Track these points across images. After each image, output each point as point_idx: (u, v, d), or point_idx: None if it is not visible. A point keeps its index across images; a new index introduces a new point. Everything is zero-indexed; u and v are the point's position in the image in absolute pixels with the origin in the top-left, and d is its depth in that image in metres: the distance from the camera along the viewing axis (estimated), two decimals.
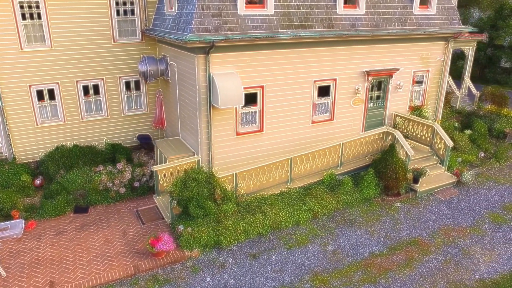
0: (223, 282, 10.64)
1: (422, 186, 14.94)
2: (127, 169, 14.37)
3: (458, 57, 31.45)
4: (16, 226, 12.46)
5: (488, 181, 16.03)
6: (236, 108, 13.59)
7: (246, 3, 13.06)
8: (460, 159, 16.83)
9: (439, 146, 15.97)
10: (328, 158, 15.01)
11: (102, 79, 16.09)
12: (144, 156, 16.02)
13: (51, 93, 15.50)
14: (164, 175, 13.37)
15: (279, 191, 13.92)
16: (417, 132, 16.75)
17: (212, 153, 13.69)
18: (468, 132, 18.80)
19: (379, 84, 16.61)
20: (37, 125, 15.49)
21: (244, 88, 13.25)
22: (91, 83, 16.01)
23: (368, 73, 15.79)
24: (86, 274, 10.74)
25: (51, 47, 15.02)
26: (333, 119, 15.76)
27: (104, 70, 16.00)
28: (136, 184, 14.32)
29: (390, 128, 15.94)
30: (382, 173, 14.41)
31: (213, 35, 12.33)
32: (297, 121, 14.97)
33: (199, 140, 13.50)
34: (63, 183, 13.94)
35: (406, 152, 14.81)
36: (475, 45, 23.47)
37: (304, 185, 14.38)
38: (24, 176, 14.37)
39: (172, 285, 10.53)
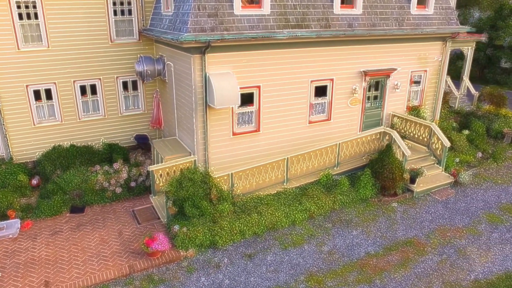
0: (218, 282, 10.63)
1: (419, 187, 14.92)
2: (123, 169, 14.38)
3: (457, 58, 31.41)
4: (12, 226, 12.49)
5: (485, 181, 16.00)
6: (232, 108, 13.59)
7: (242, 3, 13.06)
8: (457, 160, 16.79)
9: (437, 146, 15.95)
10: (325, 158, 15.00)
11: (100, 79, 16.11)
12: (141, 156, 16.03)
13: (48, 93, 15.51)
14: (161, 175, 13.37)
15: (275, 191, 13.92)
16: (414, 132, 16.72)
17: (208, 153, 13.68)
18: (466, 132, 18.77)
19: (377, 84, 16.59)
20: (34, 125, 15.51)
21: (241, 88, 13.25)
22: (88, 83, 16.03)
23: (365, 73, 15.77)
24: (81, 274, 10.74)
25: (48, 47, 15.03)
26: (330, 119, 15.75)
27: (101, 70, 16.01)
28: (133, 184, 14.32)
29: (387, 128, 15.92)
30: (379, 173, 14.40)
31: (209, 35, 12.32)
32: (294, 121, 14.95)
33: (195, 140, 13.50)
34: (60, 183, 13.95)
35: (403, 152, 14.79)
36: (474, 45, 23.44)
37: (301, 185, 14.37)
38: (21, 176, 14.38)
39: (167, 285, 10.52)
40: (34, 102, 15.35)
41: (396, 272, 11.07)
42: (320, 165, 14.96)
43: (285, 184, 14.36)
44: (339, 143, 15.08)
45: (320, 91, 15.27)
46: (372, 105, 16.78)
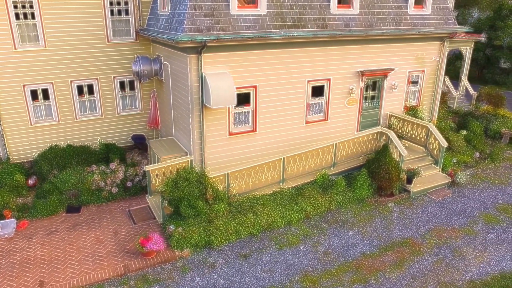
0: (213, 282, 10.62)
1: (415, 187, 14.90)
2: (120, 169, 14.38)
3: (456, 58, 31.37)
4: (8, 226, 12.49)
5: (482, 181, 15.98)
6: (228, 108, 13.58)
7: (239, 3, 13.05)
8: (455, 160, 16.77)
9: (434, 146, 15.92)
10: (321, 158, 14.98)
11: (97, 79, 16.11)
12: (137, 156, 16.03)
13: (45, 93, 15.51)
14: (157, 175, 13.35)
15: (271, 191, 13.90)
16: (412, 132, 16.70)
17: (204, 153, 13.67)
18: (464, 132, 18.74)
19: (374, 84, 16.57)
20: (31, 125, 15.51)
21: (237, 88, 13.24)
22: (85, 83, 16.03)
23: (362, 73, 15.75)
24: (76, 274, 10.74)
25: (45, 47, 15.04)
26: (327, 119, 15.73)
27: (98, 70, 16.01)
28: (129, 184, 14.32)
29: (384, 128, 15.90)
30: (375, 173, 14.38)
31: (205, 35, 12.32)
32: (290, 121, 14.94)
33: (191, 140, 13.50)
34: (56, 182, 13.96)
35: (399, 153, 14.76)
36: (472, 46, 23.40)
37: (297, 185, 14.36)
38: (17, 176, 14.39)
39: (162, 285, 10.51)
40: (31, 102, 15.35)
41: (391, 273, 11.05)
42: (316, 165, 14.95)
43: (281, 184, 14.35)
44: (336, 143, 15.06)
45: (317, 91, 15.25)
46: (370, 105, 16.76)
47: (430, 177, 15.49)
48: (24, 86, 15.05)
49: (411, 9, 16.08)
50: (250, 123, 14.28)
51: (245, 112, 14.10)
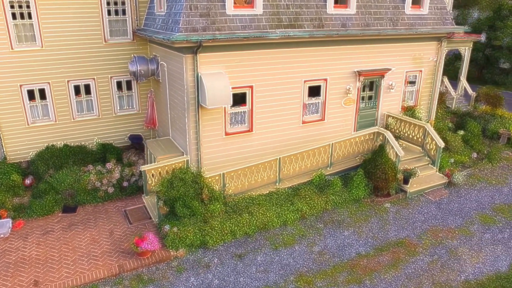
0: (207, 282, 10.62)
1: (412, 187, 14.88)
2: (116, 169, 14.38)
3: (456, 58, 31.34)
4: (3, 225, 12.50)
5: (479, 182, 15.95)
6: (225, 108, 13.57)
7: (235, 3, 13.05)
8: (452, 160, 16.74)
9: (431, 146, 15.90)
10: (318, 159, 14.96)
11: (94, 79, 16.11)
12: (134, 156, 16.03)
13: (42, 93, 15.52)
14: (153, 175, 13.36)
15: (267, 191, 13.89)
16: (409, 132, 16.67)
17: (200, 153, 13.66)
18: (461, 133, 18.71)
19: (371, 84, 16.55)
20: (28, 124, 15.52)
21: (233, 88, 13.23)
22: (83, 83, 16.03)
23: (359, 73, 15.73)
24: (71, 274, 10.74)
25: (42, 46, 15.05)
26: (324, 120, 15.71)
27: (96, 70, 16.02)
28: (125, 184, 14.32)
29: (380, 128, 15.88)
30: (372, 173, 14.36)
31: (201, 35, 12.31)
32: (287, 121, 14.92)
33: (187, 140, 13.49)
34: (52, 182, 13.96)
35: (396, 153, 14.75)
36: (471, 46, 23.35)
37: (293, 185, 14.34)
38: (14, 175, 14.38)
39: (156, 284, 10.51)
40: (28, 102, 15.36)
41: (387, 273, 11.03)
42: (313, 165, 14.93)
43: (277, 184, 14.34)
44: (332, 143, 15.04)
45: (314, 91, 15.24)
46: (367, 105, 16.74)
47: (427, 177, 15.47)
48: (21, 86, 15.06)
49: (408, 9, 16.06)
50: (246, 123, 14.27)
51: (241, 112, 14.09)
